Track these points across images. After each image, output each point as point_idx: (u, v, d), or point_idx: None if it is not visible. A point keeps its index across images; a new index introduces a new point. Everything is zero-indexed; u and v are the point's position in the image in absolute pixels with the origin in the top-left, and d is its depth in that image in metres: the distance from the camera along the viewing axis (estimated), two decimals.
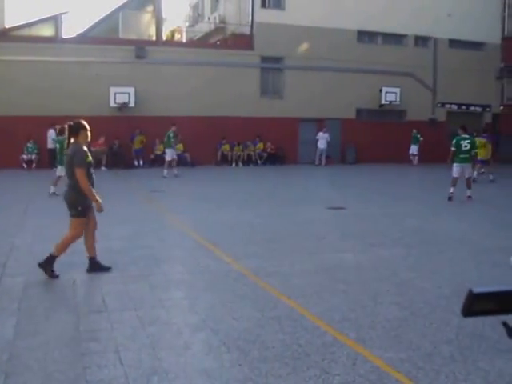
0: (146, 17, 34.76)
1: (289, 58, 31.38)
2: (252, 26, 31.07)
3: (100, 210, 8.08)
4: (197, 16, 40.72)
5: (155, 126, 27.86)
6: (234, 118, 29.89)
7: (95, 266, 8.29)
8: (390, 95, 32.78)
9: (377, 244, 10.63)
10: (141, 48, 29.14)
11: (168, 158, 23.64)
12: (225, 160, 30.13)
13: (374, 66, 31.97)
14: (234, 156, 30.22)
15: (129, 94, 28.23)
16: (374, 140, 32.32)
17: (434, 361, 5.28)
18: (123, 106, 28.22)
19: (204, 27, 37.07)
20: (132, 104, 28.36)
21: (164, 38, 34.16)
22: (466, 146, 16.88)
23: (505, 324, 1.62)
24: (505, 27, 36.86)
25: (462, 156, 16.84)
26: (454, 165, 16.94)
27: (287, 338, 5.78)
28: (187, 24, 42.38)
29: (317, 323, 6.26)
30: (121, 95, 28.13)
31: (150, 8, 34.04)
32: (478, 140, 22.41)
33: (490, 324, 5.92)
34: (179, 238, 11.24)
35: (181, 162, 28.09)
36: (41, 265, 7.95)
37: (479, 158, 22.21)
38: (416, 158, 31.92)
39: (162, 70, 29.09)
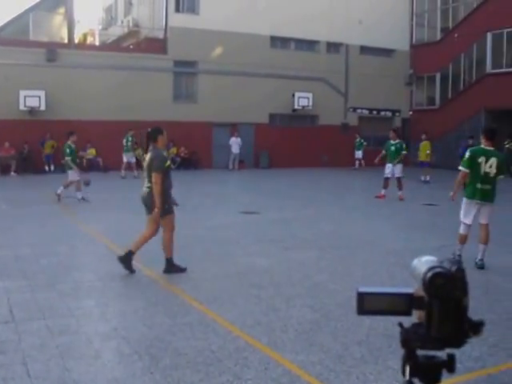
0: (58, 19, 34.06)
1: (202, 63, 31.29)
2: (166, 30, 30.85)
3: (156, 215, 8.41)
4: (110, 19, 40.18)
5: (67, 130, 27.21)
6: (147, 122, 29.39)
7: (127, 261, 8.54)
8: (303, 100, 33.17)
9: (290, 247, 10.72)
10: (52, 51, 28.41)
11: (125, 160, 25.84)
12: (138, 165, 29.71)
13: (287, 71, 32.29)
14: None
15: (39, 97, 27.44)
16: (287, 144, 32.66)
17: (345, 362, 5.36)
18: (33, 110, 27.47)
19: (117, 30, 36.61)
20: (43, 107, 27.61)
21: (76, 40, 33.53)
22: (395, 149, 18.52)
23: (400, 325, 1.65)
24: (413, 35, 38.03)
25: (392, 157, 18.44)
26: (387, 165, 18.45)
27: (199, 344, 5.75)
28: (100, 27, 41.77)
29: (229, 328, 6.25)
30: (31, 98, 27.31)
31: (61, 10, 33.35)
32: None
33: None
34: (90, 245, 11.02)
35: (93, 167, 27.63)
36: (168, 271, 8.52)
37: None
38: (362, 161, 32.41)
39: (74, 74, 28.45)
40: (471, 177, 9.42)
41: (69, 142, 17.75)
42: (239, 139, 30.81)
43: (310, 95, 33.31)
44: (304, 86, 33.16)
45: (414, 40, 38.04)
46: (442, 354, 1.65)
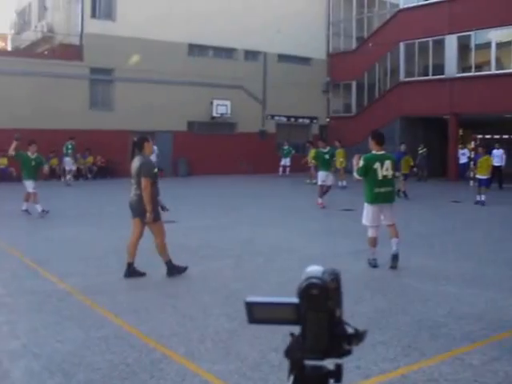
0: None
1: (119, 70, 30.89)
2: (81, 36, 30.32)
3: (149, 220, 8.70)
4: (23, 23, 39.12)
5: None
6: (62, 130, 28.92)
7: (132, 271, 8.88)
8: (221, 108, 33.22)
9: (207, 256, 10.68)
10: None
11: (67, 167, 26.98)
12: (54, 175, 29.07)
13: (205, 78, 32.32)
14: (63, 170, 29.26)
15: None
16: (205, 152, 32.61)
17: (263, 369, 5.36)
18: None
19: (31, 36, 35.68)
20: None
21: None
22: (329, 156, 19.10)
23: (292, 335, 1.66)
24: (330, 44, 38.68)
25: (327, 166, 18.98)
26: (321, 173, 18.84)
27: (114, 357, 5.64)
28: (13, 31, 40.66)
29: (145, 340, 6.16)
30: None
31: None
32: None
33: None
34: (1, 259, 10.65)
35: (5, 177, 26.80)
36: (170, 274, 8.89)
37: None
38: (287, 169, 32.63)
39: None
40: (369, 183, 9.81)
41: None
42: (155, 147, 30.48)
43: (228, 103, 33.38)
44: (222, 93, 33.22)
45: (330, 49, 38.73)
46: (330, 364, 1.65)
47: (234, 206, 19.14)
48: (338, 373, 1.65)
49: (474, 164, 20.04)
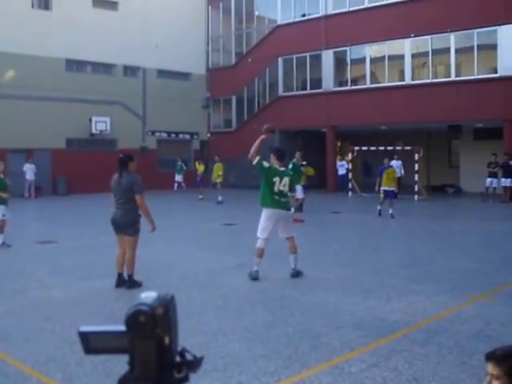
0: None
1: None
2: None
3: (154, 229, 9.57)
4: None
5: None
6: None
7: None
8: (100, 124, 32.62)
9: (86, 277, 10.39)
10: None
11: None
12: None
13: (84, 95, 31.70)
14: None
15: None
16: (85, 170, 31.83)
17: None
18: None
19: None
20: None
21: None
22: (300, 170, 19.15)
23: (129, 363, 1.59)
24: (209, 59, 38.86)
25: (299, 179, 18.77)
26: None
27: None
28: None
29: (20, 367, 5.91)
30: None
31: None
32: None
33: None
34: None
35: None
36: (131, 287, 9.29)
37: None
38: (183, 184, 32.45)
39: None
40: (267, 190, 10.12)
41: None
42: (33, 165, 29.57)
43: (108, 119, 32.85)
44: (102, 109, 32.69)
45: (210, 64, 38.90)
46: None
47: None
48: None
49: (380, 176, 20.16)
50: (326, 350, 6.37)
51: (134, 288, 9.21)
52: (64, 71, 32.25)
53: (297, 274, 10.14)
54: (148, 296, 1.54)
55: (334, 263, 11.74)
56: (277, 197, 10.06)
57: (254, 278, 9.90)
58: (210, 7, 38.61)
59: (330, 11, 31.73)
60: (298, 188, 18.58)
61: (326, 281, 9.94)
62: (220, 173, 25.85)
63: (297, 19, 33.64)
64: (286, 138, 33.55)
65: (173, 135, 36.45)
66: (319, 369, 5.83)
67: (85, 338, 1.56)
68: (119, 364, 5.46)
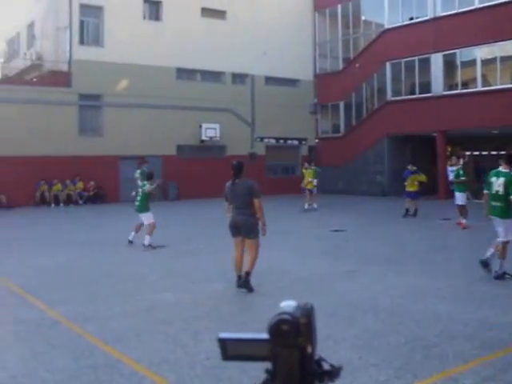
0: None
1: (108, 96, 30.96)
2: (70, 62, 30.40)
3: (265, 233, 9.83)
4: (12, 52, 39.24)
5: None
6: (52, 157, 28.94)
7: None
8: (210, 131, 33.27)
9: (196, 281, 10.61)
10: None
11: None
12: (44, 201, 29.04)
13: (194, 102, 32.41)
14: (54, 196, 29.23)
15: None
16: (195, 176, 32.55)
17: None
18: None
19: (20, 63, 35.73)
20: None
21: None
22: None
23: (267, 371, 1.63)
24: (316, 65, 38.89)
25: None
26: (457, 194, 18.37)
27: None
28: (2, 60, 40.73)
29: (135, 368, 6.09)
30: None
31: None
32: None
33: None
34: None
35: None
36: (244, 284, 9.64)
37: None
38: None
39: None
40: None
41: None
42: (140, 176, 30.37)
43: (217, 126, 33.47)
44: (211, 116, 33.33)
45: (317, 70, 38.90)
46: None
47: (225, 230, 18.96)
48: None
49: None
50: (438, 360, 6.21)
51: (247, 289, 9.54)
52: (175, 80, 33.13)
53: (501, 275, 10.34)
54: (288, 305, 1.56)
55: (444, 271, 11.45)
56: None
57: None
58: (316, 13, 38.65)
59: (439, 13, 31.05)
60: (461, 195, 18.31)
61: (436, 289, 9.70)
62: (310, 179, 25.73)
63: (405, 22, 33.02)
64: (393, 143, 33.13)
65: (281, 141, 36.67)
66: (432, 380, 5.69)
67: (223, 344, 1.60)
68: (231, 369, 5.61)
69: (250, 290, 9.57)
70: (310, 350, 1.57)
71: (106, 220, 23.23)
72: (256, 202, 9.62)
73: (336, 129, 38.07)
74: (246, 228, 9.69)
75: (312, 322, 1.58)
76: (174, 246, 15.12)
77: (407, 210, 21.65)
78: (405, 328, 7.43)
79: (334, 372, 1.63)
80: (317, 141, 38.61)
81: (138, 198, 15.25)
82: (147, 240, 14.57)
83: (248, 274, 9.65)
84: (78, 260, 13.21)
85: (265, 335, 1.57)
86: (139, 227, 15.27)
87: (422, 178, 22.05)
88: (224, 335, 1.62)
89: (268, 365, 1.63)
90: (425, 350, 6.53)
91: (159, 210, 17.16)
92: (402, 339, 6.93)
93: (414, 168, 22.19)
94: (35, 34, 34.84)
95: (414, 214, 21.53)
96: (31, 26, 35.58)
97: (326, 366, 1.63)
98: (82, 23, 30.98)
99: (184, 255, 13.78)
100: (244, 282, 9.63)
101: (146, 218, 15.00)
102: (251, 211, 9.64)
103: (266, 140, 35.97)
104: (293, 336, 1.53)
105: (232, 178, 9.92)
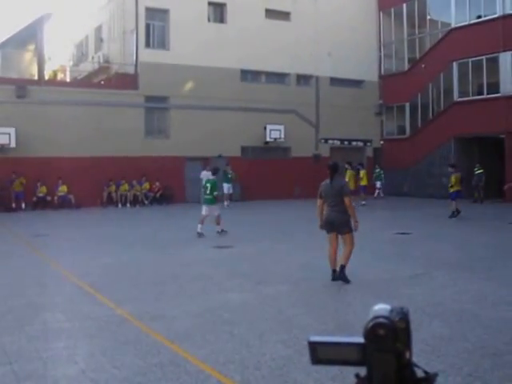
0: (28, 55, 34.03)
1: (174, 98, 31.37)
2: (136, 65, 30.91)
3: (357, 228, 10.43)
4: (81, 55, 40.15)
5: (38, 168, 27.18)
6: (119, 157, 29.47)
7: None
8: (275, 132, 33.30)
9: (262, 282, 10.62)
10: (21, 87, 28.25)
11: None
12: (111, 201, 29.56)
13: (258, 104, 32.50)
14: (121, 197, 29.73)
15: (9, 134, 27.15)
16: (259, 177, 32.65)
17: None
18: (3, 147, 27.12)
19: (88, 66, 36.56)
20: (13, 145, 27.33)
21: (47, 77, 33.46)
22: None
23: (357, 376, 1.59)
24: (381, 66, 38.52)
25: None
26: None
27: None
28: (71, 63, 41.70)
29: (201, 367, 6.13)
30: (1, 136, 26.99)
31: (31, 46, 33.35)
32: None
33: None
34: (60, 284, 10.81)
35: (65, 203, 27.44)
36: (340, 277, 10.20)
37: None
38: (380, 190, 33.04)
39: (44, 110, 28.31)
40: None
41: None
42: (210, 173, 30.53)
43: (282, 127, 33.48)
44: (275, 118, 33.36)
45: (382, 70, 38.54)
46: None
47: (289, 232, 18.97)
48: None
49: None
50: (509, 368, 6.05)
51: (343, 281, 10.13)
52: (239, 81, 33.32)
53: None
54: (383, 308, 1.53)
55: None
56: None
57: None
58: (381, 13, 38.30)
59: (508, 11, 30.32)
60: None
61: (507, 296, 9.46)
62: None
63: (472, 21, 32.40)
64: (461, 145, 32.52)
65: (345, 142, 36.43)
66: None
67: (313, 347, 1.56)
68: (296, 371, 5.56)
69: (346, 281, 10.10)
70: (407, 355, 1.54)
71: (171, 220, 23.50)
72: (346, 200, 10.24)
73: (401, 130, 37.62)
74: (338, 224, 10.31)
75: (409, 326, 1.54)
76: (238, 247, 15.19)
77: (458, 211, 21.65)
78: (473, 334, 7.25)
79: (431, 379, 1.58)
80: (382, 142, 38.22)
81: (208, 191, 17.55)
82: (220, 227, 17.38)
83: (343, 267, 10.17)
84: (145, 259, 13.41)
85: (358, 339, 1.54)
86: (204, 219, 17.26)
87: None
88: (314, 338, 1.58)
89: (357, 369, 1.58)
90: (494, 358, 6.36)
91: (224, 211, 17.38)
92: (470, 346, 6.76)
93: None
94: (103, 38, 35.58)
95: (454, 215, 21.70)
96: (99, 29, 36.40)
97: (419, 372, 1.58)
98: (147, 26, 31.50)
99: (249, 256, 13.83)
100: (340, 275, 10.15)
101: (216, 210, 17.51)
102: (342, 208, 10.24)
103: (330, 141, 35.79)
104: (390, 340, 1.49)
105: (329, 177, 10.54)
